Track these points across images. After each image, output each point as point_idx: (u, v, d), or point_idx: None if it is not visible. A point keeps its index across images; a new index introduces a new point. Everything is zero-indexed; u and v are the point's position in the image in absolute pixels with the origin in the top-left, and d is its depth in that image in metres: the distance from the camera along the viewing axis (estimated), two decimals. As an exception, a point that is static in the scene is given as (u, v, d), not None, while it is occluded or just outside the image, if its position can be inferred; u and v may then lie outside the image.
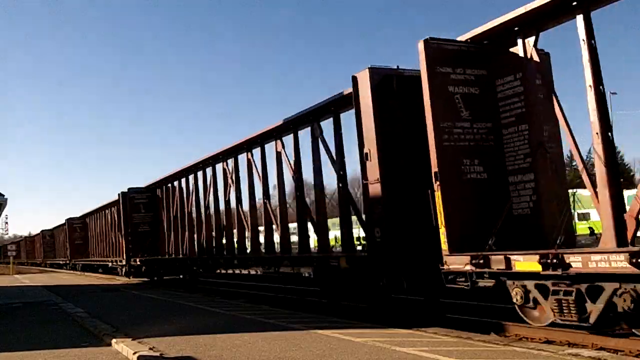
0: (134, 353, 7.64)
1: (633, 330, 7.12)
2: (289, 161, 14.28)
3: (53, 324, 11.99)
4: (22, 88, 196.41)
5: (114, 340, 8.81)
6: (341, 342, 7.83)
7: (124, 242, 26.93)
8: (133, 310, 14.14)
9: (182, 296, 17.36)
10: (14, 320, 13.01)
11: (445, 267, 8.62)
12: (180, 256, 22.32)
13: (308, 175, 14.09)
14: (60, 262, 49.56)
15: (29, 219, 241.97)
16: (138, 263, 25.48)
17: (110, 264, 31.71)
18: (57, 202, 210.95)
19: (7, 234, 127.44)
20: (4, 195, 17.43)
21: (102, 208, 34.71)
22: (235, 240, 18.01)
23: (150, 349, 7.96)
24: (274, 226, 15.53)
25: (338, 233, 12.99)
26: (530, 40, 8.50)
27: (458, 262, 8.44)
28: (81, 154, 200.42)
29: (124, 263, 27.36)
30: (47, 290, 22.65)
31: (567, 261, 7.16)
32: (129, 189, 26.55)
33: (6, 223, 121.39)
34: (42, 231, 59.93)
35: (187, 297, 16.98)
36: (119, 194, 27.28)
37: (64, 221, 45.44)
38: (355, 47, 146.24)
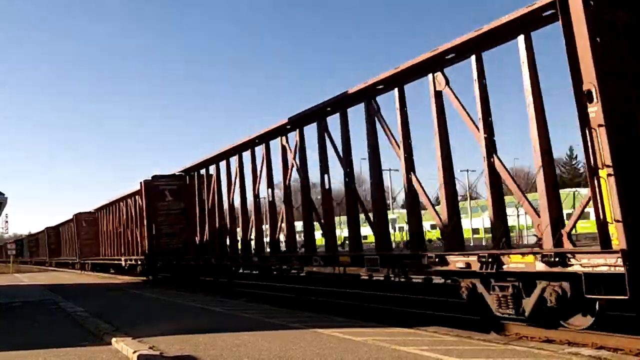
0: (134, 352, 7.63)
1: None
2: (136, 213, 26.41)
3: (53, 323, 12.00)
4: (21, 83, 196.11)
5: (114, 339, 8.82)
6: (341, 341, 7.84)
7: (77, 248, 40.46)
8: (133, 310, 14.16)
9: (183, 295, 17.36)
10: (14, 319, 13.03)
11: (160, 263, 23.19)
12: (108, 257, 33.73)
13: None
14: (42, 261, 60.10)
15: (29, 218, 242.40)
16: (85, 261, 39.78)
17: (70, 262, 45.52)
18: (57, 202, 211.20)
19: (7, 232, 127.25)
20: (4, 194, 17.45)
21: (67, 221, 45.67)
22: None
23: (150, 348, 7.95)
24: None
25: None
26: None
27: (160, 260, 23.27)
28: (81, 152, 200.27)
29: (77, 261, 41.90)
30: (47, 289, 22.67)
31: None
32: (78, 213, 40.02)
33: (6, 222, 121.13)
34: (28, 236, 72.25)
35: (188, 296, 16.97)
36: (73, 215, 40.68)
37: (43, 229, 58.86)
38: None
